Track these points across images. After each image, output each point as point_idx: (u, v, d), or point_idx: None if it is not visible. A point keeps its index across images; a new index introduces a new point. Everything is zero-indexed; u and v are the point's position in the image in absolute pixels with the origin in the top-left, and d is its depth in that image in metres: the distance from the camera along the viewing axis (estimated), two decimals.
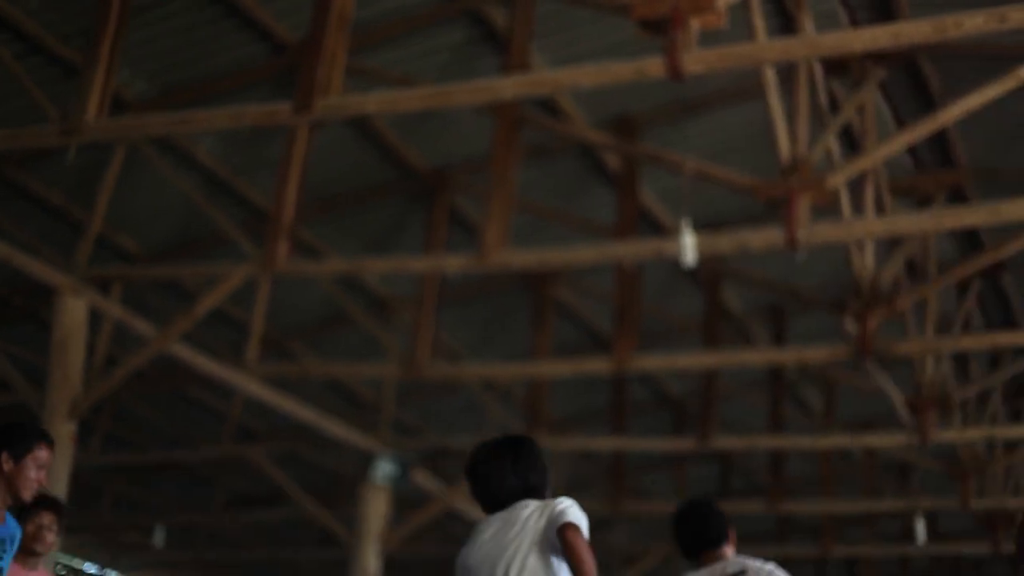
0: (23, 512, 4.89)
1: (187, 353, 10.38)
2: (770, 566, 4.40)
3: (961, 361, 11.86)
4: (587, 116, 10.14)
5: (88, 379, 9.62)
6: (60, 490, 8.69)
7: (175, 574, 19.93)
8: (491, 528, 3.88)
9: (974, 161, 10.32)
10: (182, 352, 10.32)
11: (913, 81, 9.44)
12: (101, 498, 16.59)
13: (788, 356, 11.83)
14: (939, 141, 9.92)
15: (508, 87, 7.41)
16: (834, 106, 8.85)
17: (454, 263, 9.29)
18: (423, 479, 12.96)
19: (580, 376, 11.88)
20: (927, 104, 9.36)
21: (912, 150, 9.84)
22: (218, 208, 10.46)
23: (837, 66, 8.72)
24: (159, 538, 16.75)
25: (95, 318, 9.88)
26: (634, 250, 9.21)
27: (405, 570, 16.27)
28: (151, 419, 14.69)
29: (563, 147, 10.72)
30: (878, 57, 8.58)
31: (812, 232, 7.72)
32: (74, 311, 9.50)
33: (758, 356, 12.20)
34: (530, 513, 3.81)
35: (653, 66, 6.43)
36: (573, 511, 3.75)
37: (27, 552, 5.05)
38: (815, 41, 7.07)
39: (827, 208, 8.06)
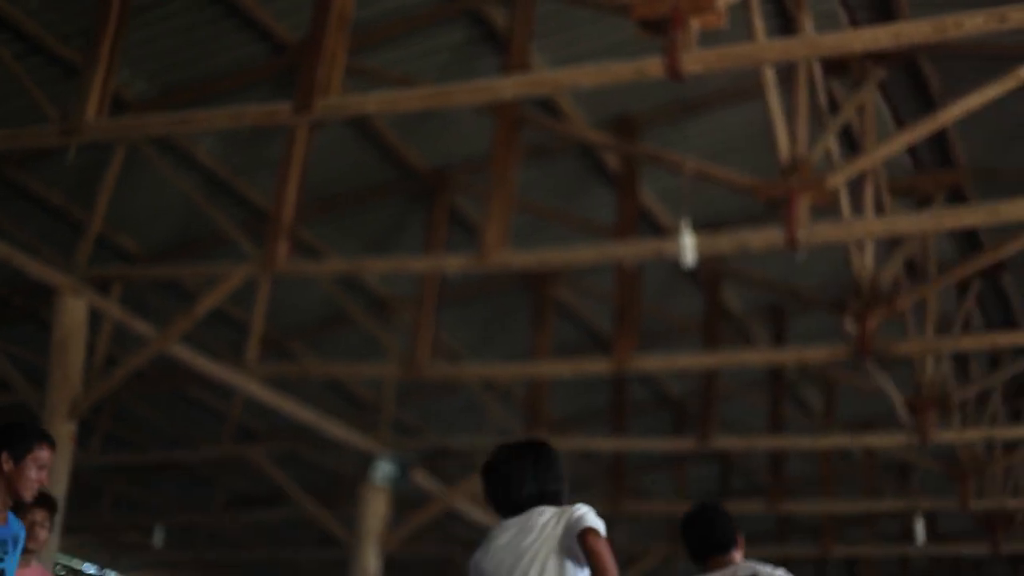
0: (15, 509, 4.89)
1: (187, 353, 10.38)
2: (780, 571, 4.39)
3: (961, 361, 11.87)
4: (587, 116, 10.14)
5: (88, 379, 9.62)
6: (60, 490, 8.69)
7: (175, 574, 19.93)
8: (506, 534, 3.81)
9: (973, 161, 10.33)
10: (182, 352, 10.32)
11: (913, 81, 9.45)
12: (101, 498, 16.59)
13: (788, 356, 11.83)
14: (939, 141, 9.93)
15: (508, 87, 7.41)
16: (834, 106, 8.85)
17: (454, 263, 9.29)
18: (423, 479, 12.96)
19: (580, 376, 11.88)
20: (927, 104, 9.37)
21: (912, 150, 9.84)
22: (218, 208, 10.46)
23: (837, 66, 8.72)
24: (158, 538, 16.75)
25: (95, 318, 9.88)
26: (634, 250, 9.21)
27: (405, 570, 16.27)
28: (151, 419, 14.69)
29: (563, 147, 10.72)
30: (878, 57, 8.59)
31: (812, 232, 7.72)
32: (74, 311, 9.50)
33: (758, 356, 12.21)
34: (547, 520, 3.75)
35: (653, 66, 6.43)
36: (591, 516, 3.70)
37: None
38: (815, 41, 7.08)
39: (827, 208, 8.06)
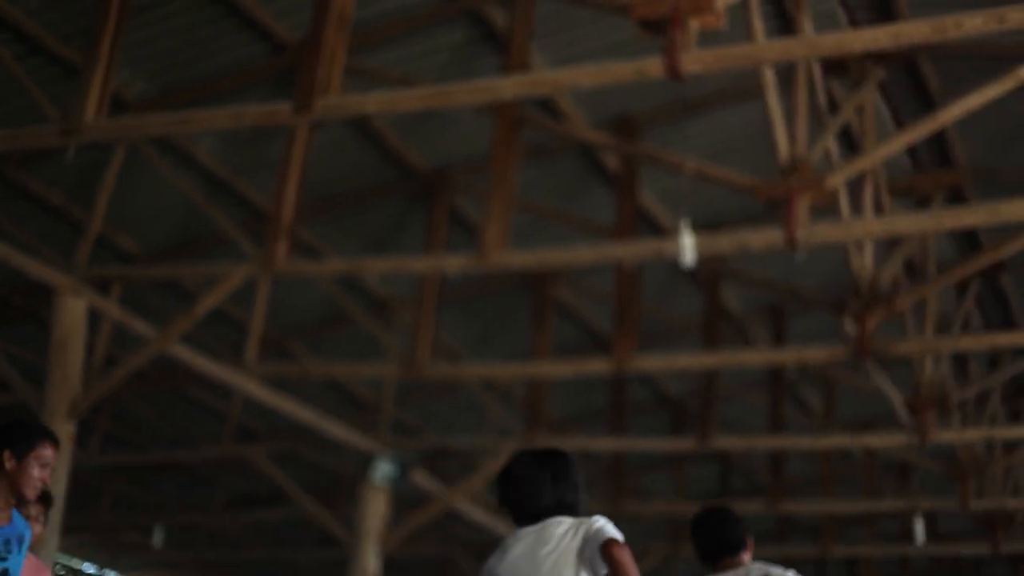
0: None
1: (187, 353, 10.39)
2: (790, 573, 4.43)
3: (960, 361, 11.87)
4: (587, 116, 10.14)
5: (87, 379, 9.62)
6: (60, 490, 8.69)
7: (175, 574, 19.93)
8: (522, 543, 3.77)
9: (973, 161, 10.33)
10: (182, 352, 10.32)
11: (912, 81, 9.45)
12: (100, 498, 16.59)
13: (788, 356, 11.84)
14: (938, 141, 9.93)
15: (508, 87, 7.41)
16: (833, 106, 8.86)
17: (454, 263, 9.29)
18: (422, 479, 12.96)
19: (580, 376, 11.88)
20: (926, 104, 9.37)
21: (911, 150, 9.85)
22: (218, 208, 10.46)
23: (836, 66, 8.73)
24: (158, 538, 16.75)
25: (94, 318, 9.89)
26: (634, 250, 9.21)
27: (405, 570, 16.27)
28: (151, 419, 14.70)
29: (563, 147, 10.73)
30: (877, 57, 8.59)
31: (811, 232, 7.73)
32: (74, 311, 9.50)
33: (758, 356, 12.21)
34: (564, 531, 3.73)
35: (652, 66, 6.44)
36: (611, 527, 3.68)
37: None
38: (814, 41, 7.08)
39: (826, 208, 8.06)
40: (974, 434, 11.71)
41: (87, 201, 10.04)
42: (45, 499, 5.21)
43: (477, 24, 9.31)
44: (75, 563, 19.02)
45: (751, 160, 9.66)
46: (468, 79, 8.30)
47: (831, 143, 8.38)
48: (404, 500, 13.30)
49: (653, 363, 11.16)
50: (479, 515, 13.75)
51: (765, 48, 7.12)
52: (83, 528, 16.35)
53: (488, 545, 17.86)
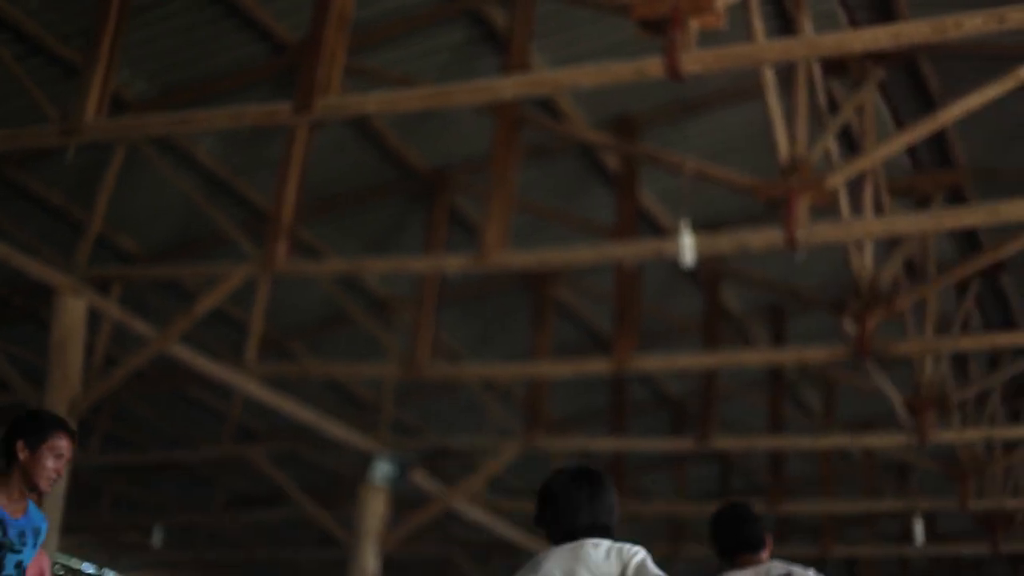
0: None
1: (187, 353, 10.39)
2: (811, 572, 4.45)
3: (960, 361, 11.86)
4: (587, 116, 10.14)
5: (87, 379, 9.62)
6: (59, 490, 8.70)
7: (174, 574, 19.93)
8: (557, 561, 3.71)
9: (973, 161, 10.33)
10: (182, 352, 10.32)
11: (912, 81, 9.45)
12: (100, 498, 16.59)
13: (788, 356, 11.84)
14: (938, 141, 9.93)
15: (508, 87, 7.41)
16: (833, 106, 8.85)
17: (454, 263, 9.29)
18: (422, 479, 12.96)
19: (580, 376, 11.88)
20: (926, 104, 9.37)
21: (911, 150, 9.84)
22: (218, 208, 10.46)
23: (836, 66, 8.73)
24: (158, 538, 16.75)
25: (94, 318, 9.88)
26: (634, 250, 9.21)
27: (404, 570, 16.27)
28: (151, 419, 14.70)
29: (563, 147, 10.73)
30: (877, 57, 8.59)
31: (811, 232, 7.73)
32: (73, 311, 9.50)
33: (758, 356, 12.22)
34: (602, 555, 3.68)
35: (652, 66, 6.44)
36: (652, 563, 3.65)
37: None
38: (814, 41, 7.08)
39: (826, 208, 8.06)
40: (974, 434, 11.71)
41: (87, 201, 10.04)
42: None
43: (477, 24, 9.31)
44: (75, 563, 19.02)
45: (751, 160, 9.66)
46: (468, 79, 8.30)
47: (831, 143, 8.38)
48: (404, 500, 13.31)
49: (653, 363, 11.17)
50: (479, 515, 13.76)
51: (765, 48, 7.12)
52: (83, 528, 16.36)
53: (488, 545, 17.96)
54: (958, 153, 10.14)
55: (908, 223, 8.77)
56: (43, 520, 4.46)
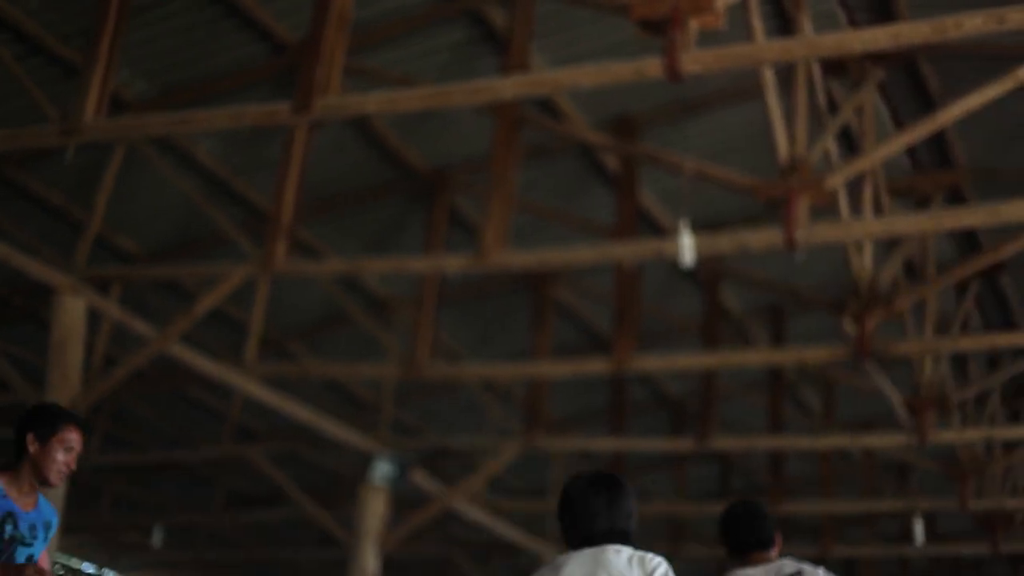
0: None
1: (187, 353, 10.39)
2: (821, 571, 4.47)
3: (960, 362, 11.87)
4: (587, 116, 10.14)
5: (87, 379, 9.63)
6: (59, 490, 8.69)
7: (174, 574, 19.93)
8: (578, 564, 3.71)
9: (973, 162, 10.33)
10: (182, 352, 10.32)
11: (912, 82, 9.45)
12: (100, 498, 16.59)
13: (787, 356, 11.84)
14: (938, 142, 9.93)
15: (508, 87, 7.41)
16: (833, 107, 8.86)
17: (454, 263, 9.29)
18: (422, 479, 12.96)
19: (580, 376, 11.88)
20: (926, 105, 9.37)
21: (911, 151, 9.84)
22: (218, 208, 10.46)
23: (836, 67, 8.73)
24: (157, 538, 16.75)
25: (94, 318, 9.88)
26: (634, 250, 9.22)
27: (404, 570, 16.27)
28: (151, 419, 14.70)
29: (563, 147, 10.73)
30: (877, 58, 8.59)
31: (811, 232, 7.73)
32: (73, 311, 9.50)
33: (757, 356, 12.21)
34: (625, 562, 3.70)
35: (652, 66, 6.44)
36: (673, 575, 3.69)
37: None
38: (814, 42, 7.08)
39: (826, 208, 8.07)
40: (973, 434, 11.72)
41: (87, 201, 10.04)
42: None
43: (477, 24, 9.31)
44: (75, 563, 19.02)
45: (751, 160, 9.67)
46: (468, 79, 8.30)
47: (831, 143, 8.38)
48: (404, 500, 13.31)
49: (653, 363, 11.17)
50: (479, 515, 13.76)
51: (765, 48, 7.12)
52: (83, 528, 16.37)
53: (488, 545, 17.94)
54: (958, 153, 10.14)
55: (908, 223, 8.77)
56: (54, 513, 4.45)
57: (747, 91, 9.28)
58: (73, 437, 4.33)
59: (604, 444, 13.20)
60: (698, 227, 8.04)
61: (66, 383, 9.33)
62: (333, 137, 10.18)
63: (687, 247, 7.85)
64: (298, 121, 7.85)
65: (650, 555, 3.73)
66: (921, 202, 10.01)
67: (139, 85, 9.50)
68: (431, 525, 14.61)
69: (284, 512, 15.83)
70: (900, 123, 9.45)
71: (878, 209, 9.06)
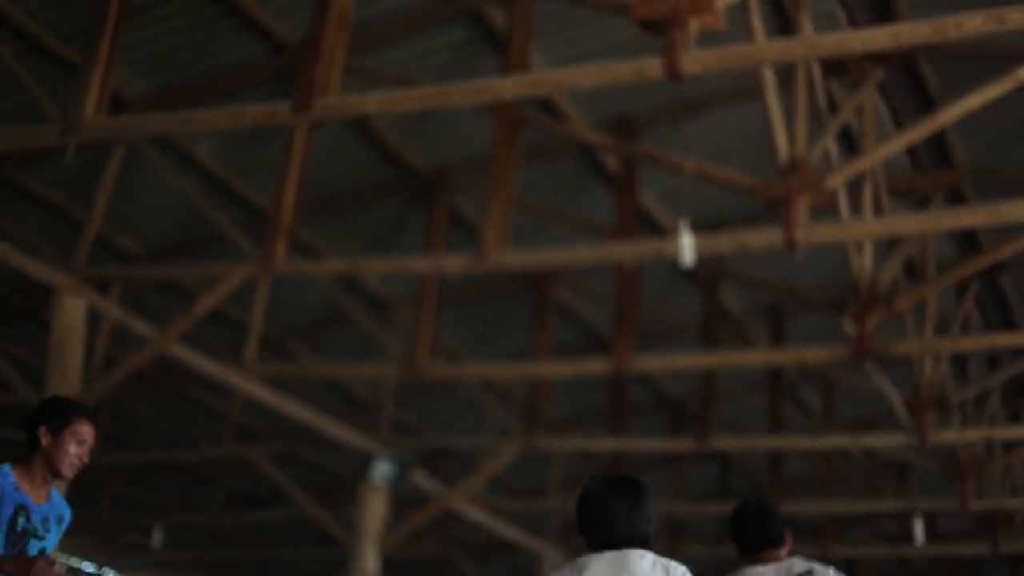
0: None
1: (187, 353, 10.39)
2: (831, 570, 4.48)
3: (960, 362, 11.87)
4: (587, 116, 10.14)
5: (87, 379, 9.62)
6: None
7: (174, 574, 19.93)
8: (601, 566, 3.71)
9: (973, 162, 10.33)
10: (182, 352, 10.32)
11: (912, 82, 9.45)
12: (100, 498, 16.60)
13: (787, 356, 11.84)
14: (938, 142, 9.93)
15: (508, 87, 7.41)
16: (833, 107, 8.86)
17: (454, 263, 9.29)
18: (422, 479, 12.96)
19: (580, 376, 11.88)
20: (926, 105, 9.37)
21: (911, 151, 9.85)
22: (218, 208, 10.46)
23: (836, 67, 8.73)
24: (158, 538, 16.75)
25: (94, 318, 9.88)
26: (634, 250, 9.21)
27: (404, 570, 16.28)
28: (151, 419, 14.70)
29: (563, 147, 10.73)
30: (877, 58, 8.59)
31: (811, 232, 7.73)
32: (73, 311, 9.50)
33: (757, 356, 12.21)
34: (649, 566, 3.69)
35: (652, 66, 6.44)
36: None
37: None
38: (814, 42, 7.08)
39: (826, 208, 8.07)
40: (973, 434, 11.71)
41: (87, 201, 10.04)
42: None
43: (477, 24, 9.31)
44: (75, 563, 19.02)
45: (751, 160, 9.67)
46: (468, 79, 8.30)
47: (831, 143, 8.38)
48: (404, 500, 13.31)
49: (653, 363, 11.17)
50: (479, 515, 13.75)
51: (765, 48, 7.12)
52: (83, 528, 16.36)
53: (488, 545, 17.93)
54: (958, 153, 10.14)
55: (908, 223, 8.77)
56: (66, 507, 4.47)
57: (747, 91, 9.28)
58: (85, 430, 4.34)
59: (604, 444, 13.20)
60: (698, 227, 8.04)
61: (66, 383, 9.32)
62: (333, 137, 10.18)
63: (687, 247, 7.85)
64: (298, 121, 7.85)
65: (674, 563, 3.73)
66: (921, 202, 10.01)
67: (139, 84, 9.51)
68: (431, 525, 14.61)
69: (284, 512, 15.83)
70: (900, 123, 9.45)
71: (878, 209, 9.06)
